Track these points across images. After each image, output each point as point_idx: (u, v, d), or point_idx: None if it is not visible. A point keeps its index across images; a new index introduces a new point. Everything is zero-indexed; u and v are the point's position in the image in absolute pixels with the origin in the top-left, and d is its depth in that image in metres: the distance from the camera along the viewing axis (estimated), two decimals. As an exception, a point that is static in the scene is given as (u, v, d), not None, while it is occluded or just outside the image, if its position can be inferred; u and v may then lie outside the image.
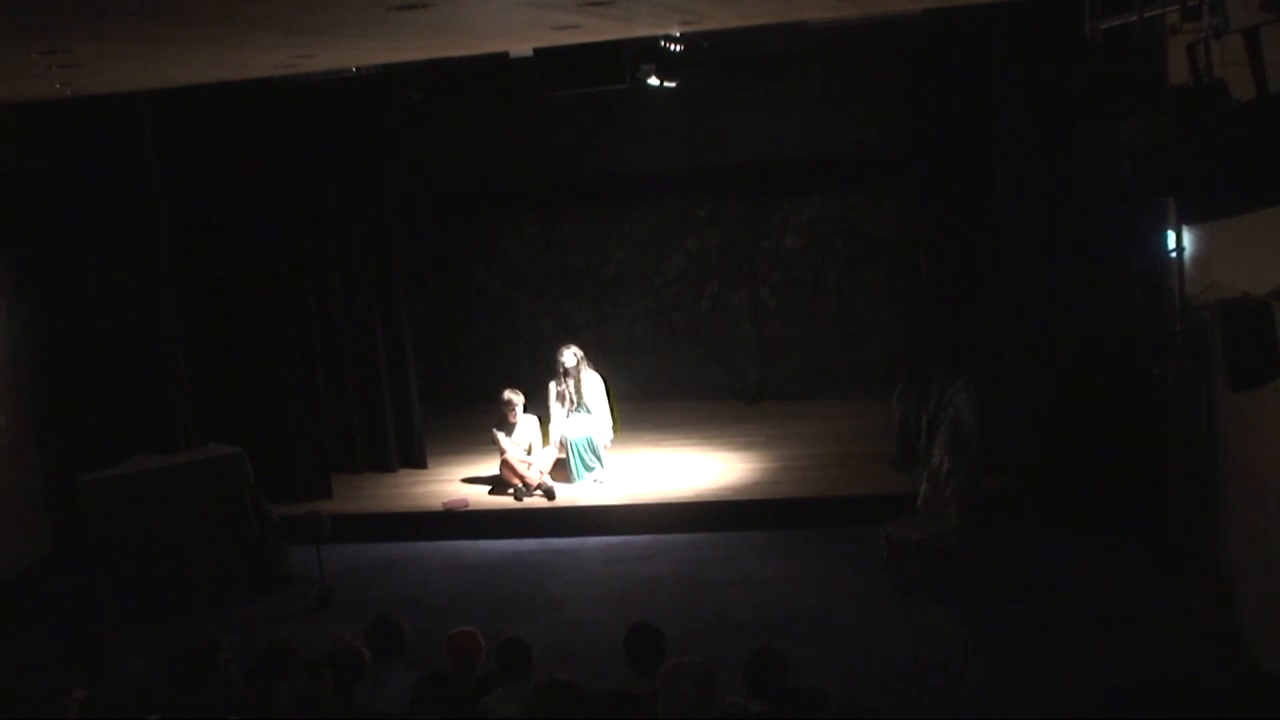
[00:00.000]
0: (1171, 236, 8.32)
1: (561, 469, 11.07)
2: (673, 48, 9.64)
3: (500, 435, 10.94)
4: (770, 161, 13.18)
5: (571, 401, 11.07)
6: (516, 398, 11.02)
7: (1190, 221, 7.57)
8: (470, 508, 10.87)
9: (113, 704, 5.49)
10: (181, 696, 5.43)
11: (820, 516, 10.11)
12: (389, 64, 9.23)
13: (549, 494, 10.82)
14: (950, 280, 10.78)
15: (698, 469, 11.40)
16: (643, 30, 8.56)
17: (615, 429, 11.29)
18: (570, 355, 11.08)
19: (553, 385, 11.15)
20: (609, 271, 14.16)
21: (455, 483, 11.52)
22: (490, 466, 11.31)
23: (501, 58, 8.94)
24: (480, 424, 11.41)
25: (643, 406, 12.89)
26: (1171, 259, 8.36)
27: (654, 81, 10.01)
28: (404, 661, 6.02)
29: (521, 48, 8.78)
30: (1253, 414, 6.77)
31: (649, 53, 9.62)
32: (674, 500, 10.68)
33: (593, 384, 11.13)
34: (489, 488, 11.20)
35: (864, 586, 8.86)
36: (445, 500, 11.00)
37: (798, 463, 11.33)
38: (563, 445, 11.09)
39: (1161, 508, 9.14)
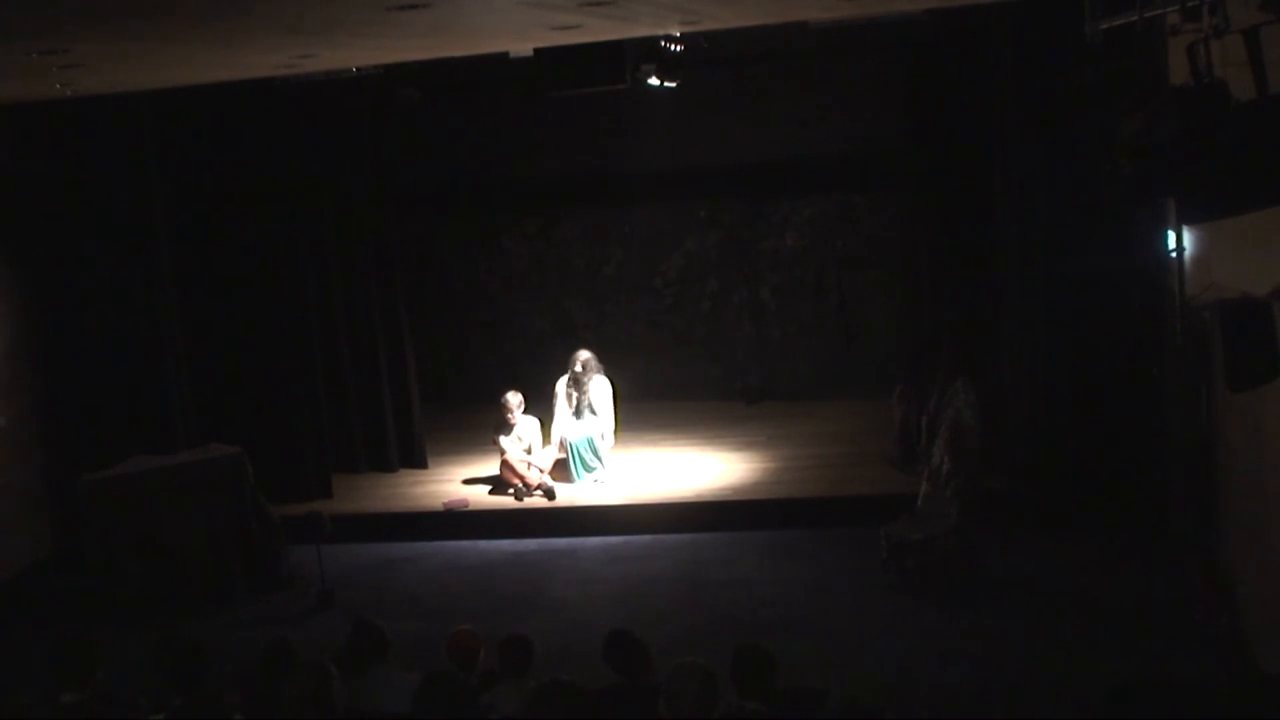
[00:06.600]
0: (1171, 236, 8.31)
1: (561, 469, 11.07)
2: (673, 48, 9.64)
3: (500, 438, 10.94)
4: (770, 161, 13.15)
5: (577, 406, 11.07)
6: (513, 398, 11.01)
7: (1190, 221, 7.57)
8: (470, 508, 10.87)
9: (105, 705, 5.47)
10: (181, 697, 5.42)
11: (820, 516, 10.11)
12: (389, 64, 9.24)
13: (549, 494, 10.81)
14: (950, 280, 10.77)
15: (698, 469, 11.40)
16: (643, 30, 8.57)
17: (617, 434, 11.28)
18: (581, 361, 11.07)
19: (562, 382, 11.13)
20: (609, 271, 14.15)
21: (455, 483, 11.51)
22: (490, 466, 11.31)
23: (501, 58, 8.94)
24: (481, 424, 11.41)
25: (643, 406, 12.87)
26: (1171, 259, 8.35)
27: (654, 81, 10.00)
28: (391, 663, 6.02)
29: (521, 48, 8.78)
30: (1253, 414, 6.77)
31: (649, 53, 9.61)
32: (674, 500, 10.68)
33: (601, 390, 11.11)
34: (489, 488, 11.19)
35: (864, 587, 8.85)
36: (445, 500, 11.00)
37: (798, 463, 11.32)
38: (563, 445, 11.09)
39: (1161, 508, 9.13)
